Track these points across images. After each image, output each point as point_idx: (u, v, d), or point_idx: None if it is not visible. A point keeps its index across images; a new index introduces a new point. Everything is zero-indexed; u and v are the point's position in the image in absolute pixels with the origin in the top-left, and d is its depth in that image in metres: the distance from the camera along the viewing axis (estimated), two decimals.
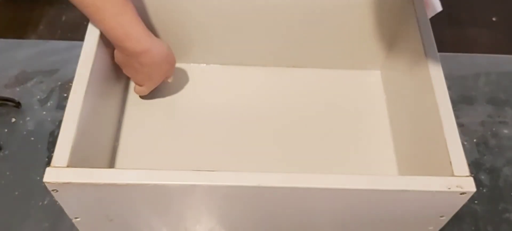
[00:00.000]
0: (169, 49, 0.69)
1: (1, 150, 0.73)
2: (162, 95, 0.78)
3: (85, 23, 0.64)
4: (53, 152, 0.53)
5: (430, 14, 0.71)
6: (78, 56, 0.61)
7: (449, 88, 0.62)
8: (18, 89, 0.79)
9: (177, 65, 0.80)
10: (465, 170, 0.54)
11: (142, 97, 0.77)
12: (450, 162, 0.55)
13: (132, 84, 0.78)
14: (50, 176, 0.51)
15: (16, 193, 0.69)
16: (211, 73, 0.81)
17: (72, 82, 0.59)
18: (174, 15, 0.73)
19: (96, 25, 0.62)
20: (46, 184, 0.51)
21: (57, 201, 0.54)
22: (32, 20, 0.89)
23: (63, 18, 0.86)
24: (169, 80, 0.73)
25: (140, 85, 0.73)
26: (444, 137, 0.57)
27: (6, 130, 0.75)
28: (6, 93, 0.78)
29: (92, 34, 0.64)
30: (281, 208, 0.57)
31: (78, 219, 0.58)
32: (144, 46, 0.64)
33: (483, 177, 0.75)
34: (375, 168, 0.72)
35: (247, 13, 0.73)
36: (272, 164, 0.71)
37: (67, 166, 0.52)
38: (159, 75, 0.71)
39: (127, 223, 0.61)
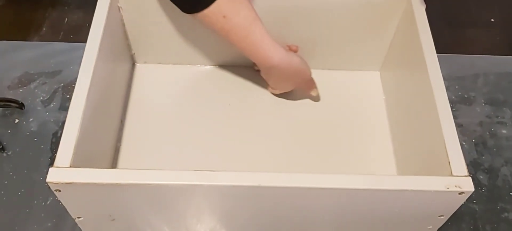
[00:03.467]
0: (302, 63, 0.71)
1: (5, 151, 0.74)
2: (164, 96, 0.78)
3: (87, 25, 0.64)
4: (56, 152, 0.53)
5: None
6: (80, 57, 0.61)
7: (447, 88, 0.62)
8: (21, 90, 0.80)
9: (179, 66, 0.81)
10: (464, 170, 0.55)
11: (143, 97, 0.77)
12: (449, 162, 0.55)
13: (134, 85, 0.79)
14: (53, 176, 0.51)
15: (20, 193, 0.70)
16: (211, 74, 0.81)
17: (74, 84, 0.59)
18: (175, 16, 0.74)
19: (231, 44, 0.66)
20: (49, 184, 0.51)
21: (60, 201, 0.54)
22: (35, 22, 0.90)
23: (66, 20, 0.87)
24: (313, 93, 0.77)
25: (273, 89, 0.78)
26: (443, 137, 0.57)
27: (9, 131, 0.76)
28: (10, 95, 0.79)
29: (94, 36, 0.64)
30: (281, 208, 0.57)
31: (80, 219, 0.59)
32: (270, 62, 0.67)
33: (481, 176, 0.75)
34: (374, 168, 0.72)
35: None
36: (272, 164, 0.72)
37: (70, 166, 0.53)
38: (289, 85, 0.75)
39: (129, 223, 0.61)
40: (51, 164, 0.53)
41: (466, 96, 0.84)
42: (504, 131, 0.80)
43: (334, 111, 0.78)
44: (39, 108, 0.78)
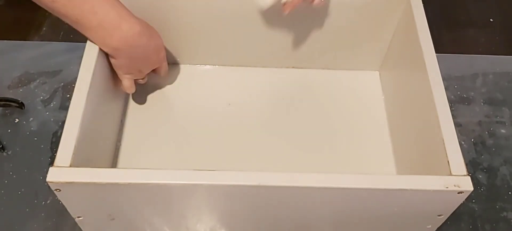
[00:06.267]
0: (144, 28, 0.63)
1: (5, 150, 0.74)
2: (164, 96, 0.78)
3: None
4: (56, 152, 0.54)
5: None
6: (80, 57, 0.62)
7: (446, 88, 0.62)
8: (21, 90, 0.80)
9: (179, 66, 0.81)
10: (463, 169, 0.55)
11: (143, 97, 0.77)
12: (448, 162, 0.55)
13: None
14: (53, 175, 0.52)
15: (20, 192, 0.70)
16: (211, 74, 0.81)
17: (75, 83, 0.59)
18: (175, 16, 0.74)
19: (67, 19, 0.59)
20: (49, 184, 0.52)
21: (60, 200, 0.54)
22: (35, 21, 0.90)
23: None
24: (162, 74, 0.73)
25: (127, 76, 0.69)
26: (442, 137, 0.57)
27: (9, 130, 0.76)
28: (10, 94, 0.79)
29: None
30: (281, 207, 0.57)
31: (80, 218, 0.59)
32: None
33: (480, 176, 0.75)
34: (373, 168, 0.72)
35: (246, 14, 0.74)
36: (272, 164, 0.72)
37: (70, 166, 0.53)
38: (143, 64, 0.68)
39: (129, 222, 0.61)
40: (51, 163, 0.53)
41: (465, 96, 0.84)
42: (503, 131, 0.80)
43: (334, 111, 0.78)
44: (39, 108, 0.78)
